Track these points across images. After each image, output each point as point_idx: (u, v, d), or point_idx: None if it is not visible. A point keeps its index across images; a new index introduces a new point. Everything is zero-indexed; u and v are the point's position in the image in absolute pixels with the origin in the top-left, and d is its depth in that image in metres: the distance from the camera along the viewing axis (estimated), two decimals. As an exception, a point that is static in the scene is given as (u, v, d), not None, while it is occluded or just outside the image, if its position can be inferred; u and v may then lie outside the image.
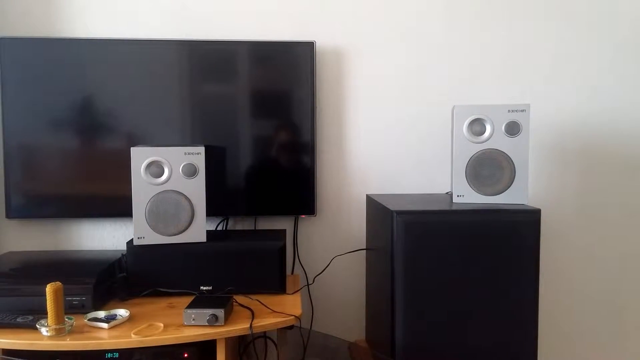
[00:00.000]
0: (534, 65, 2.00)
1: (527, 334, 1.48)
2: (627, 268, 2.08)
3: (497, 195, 1.58)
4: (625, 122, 2.04)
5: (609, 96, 2.03)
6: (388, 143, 1.99)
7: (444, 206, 1.54)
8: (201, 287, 1.62)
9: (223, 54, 1.84)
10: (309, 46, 1.86)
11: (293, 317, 1.46)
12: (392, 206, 1.50)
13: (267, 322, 1.43)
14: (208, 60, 1.84)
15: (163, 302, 1.57)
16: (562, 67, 2.01)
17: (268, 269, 1.64)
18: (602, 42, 2.02)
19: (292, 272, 1.97)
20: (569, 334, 2.08)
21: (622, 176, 2.05)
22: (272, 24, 1.93)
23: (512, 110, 1.55)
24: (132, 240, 1.61)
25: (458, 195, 1.60)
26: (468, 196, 1.60)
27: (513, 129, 1.55)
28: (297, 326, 1.50)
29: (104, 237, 1.94)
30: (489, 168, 1.57)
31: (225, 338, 1.39)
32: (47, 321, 1.31)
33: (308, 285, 1.96)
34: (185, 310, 1.38)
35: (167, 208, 1.59)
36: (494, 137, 1.56)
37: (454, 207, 1.51)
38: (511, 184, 1.57)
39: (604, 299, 2.08)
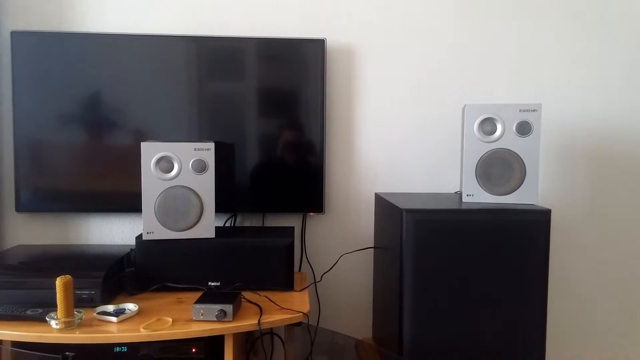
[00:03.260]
0: (546, 65, 2.00)
1: (536, 334, 1.47)
2: (637, 269, 2.06)
3: (507, 195, 1.57)
4: (636, 123, 2.02)
5: (620, 97, 2.02)
6: (398, 142, 1.99)
7: (453, 205, 1.54)
8: (209, 283, 1.62)
9: (232, 51, 1.84)
10: (320, 44, 1.86)
11: (301, 313, 1.46)
12: (402, 204, 1.50)
13: (274, 318, 1.43)
14: (217, 56, 1.84)
15: (171, 297, 1.57)
16: (574, 68, 2.00)
17: (276, 265, 1.64)
18: (613, 43, 2.00)
19: (300, 270, 1.97)
20: (577, 335, 2.07)
21: (632, 177, 2.04)
22: (283, 21, 1.93)
23: (524, 110, 1.55)
24: (141, 235, 1.61)
25: (468, 195, 1.60)
26: (478, 196, 1.59)
27: (524, 129, 1.55)
28: (304, 323, 1.50)
29: (113, 232, 1.95)
30: (499, 168, 1.57)
31: (233, 334, 1.39)
32: (56, 314, 1.32)
33: (315, 282, 1.96)
34: (194, 305, 1.38)
35: (176, 203, 1.59)
36: (504, 137, 1.56)
37: (464, 207, 1.51)
38: (521, 184, 1.56)
39: (614, 299, 2.07)
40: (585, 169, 2.03)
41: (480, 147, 1.57)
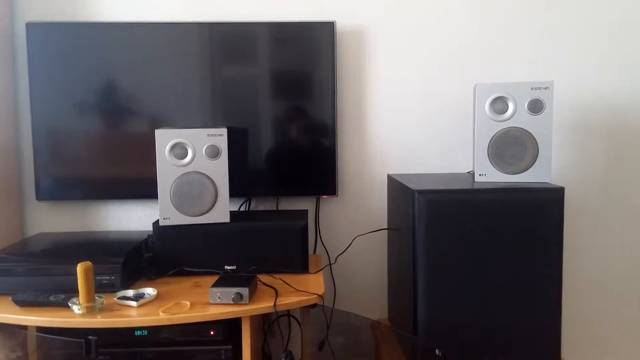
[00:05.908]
0: (558, 41, 1.96)
1: (551, 313, 1.47)
2: (653, 247, 2.05)
3: (520, 174, 1.56)
4: (653, 98, 1.99)
5: (634, 73, 1.98)
6: (409, 123, 1.98)
7: (466, 185, 1.54)
8: (225, 267, 1.65)
9: (243, 36, 1.85)
10: (329, 26, 1.85)
11: (316, 295, 1.48)
12: (414, 185, 1.50)
13: (290, 300, 1.45)
14: (228, 42, 1.84)
15: (189, 281, 1.60)
16: (586, 44, 1.97)
17: (291, 248, 1.66)
18: (627, 18, 1.96)
19: (315, 252, 1.99)
20: (592, 314, 2.06)
21: (649, 154, 2.01)
22: (292, 4, 1.92)
23: (536, 88, 1.53)
24: (158, 220, 1.64)
25: (480, 175, 1.59)
26: (490, 175, 1.59)
27: (536, 106, 1.53)
28: (320, 305, 1.52)
29: (130, 219, 1.99)
30: (512, 147, 1.56)
31: (250, 316, 1.42)
32: (78, 299, 1.36)
33: (330, 264, 1.98)
34: (211, 288, 1.41)
35: (191, 189, 1.62)
36: (516, 115, 1.54)
37: (476, 186, 1.51)
38: (534, 162, 1.55)
39: (628, 278, 2.05)
40: (600, 146, 2.01)
41: (492, 126, 1.56)
